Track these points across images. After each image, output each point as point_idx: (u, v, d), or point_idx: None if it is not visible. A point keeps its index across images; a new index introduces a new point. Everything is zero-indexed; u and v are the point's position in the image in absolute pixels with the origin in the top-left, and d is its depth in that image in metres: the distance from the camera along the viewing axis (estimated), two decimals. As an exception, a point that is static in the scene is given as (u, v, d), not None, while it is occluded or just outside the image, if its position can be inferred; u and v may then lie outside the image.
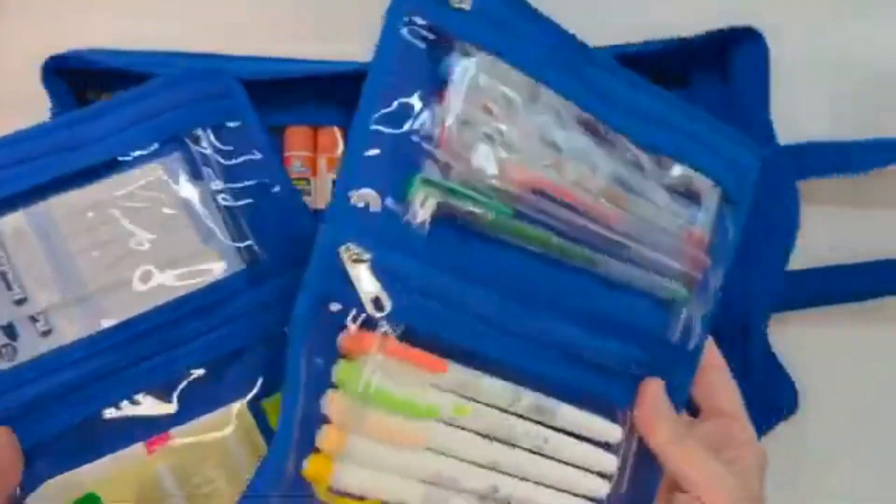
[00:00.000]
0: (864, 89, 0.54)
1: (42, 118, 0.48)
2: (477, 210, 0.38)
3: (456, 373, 0.39)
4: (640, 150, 0.43)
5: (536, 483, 0.41)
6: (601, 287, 0.42)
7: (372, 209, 0.37)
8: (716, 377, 0.45)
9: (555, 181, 0.41)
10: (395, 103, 0.38)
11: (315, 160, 0.52)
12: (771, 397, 0.49)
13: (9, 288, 0.41)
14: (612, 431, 0.42)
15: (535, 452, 0.41)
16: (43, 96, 0.47)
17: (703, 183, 0.44)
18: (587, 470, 0.42)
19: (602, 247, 0.42)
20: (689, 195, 0.44)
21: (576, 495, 0.42)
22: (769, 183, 0.49)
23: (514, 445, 0.40)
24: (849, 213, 0.54)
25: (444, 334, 0.38)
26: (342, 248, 0.36)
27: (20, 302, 0.41)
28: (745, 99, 0.50)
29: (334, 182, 0.51)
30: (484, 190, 0.39)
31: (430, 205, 0.38)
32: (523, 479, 0.41)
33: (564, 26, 0.51)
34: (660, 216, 0.43)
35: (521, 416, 0.40)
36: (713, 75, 0.52)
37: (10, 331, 0.41)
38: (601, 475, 0.42)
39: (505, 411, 0.40)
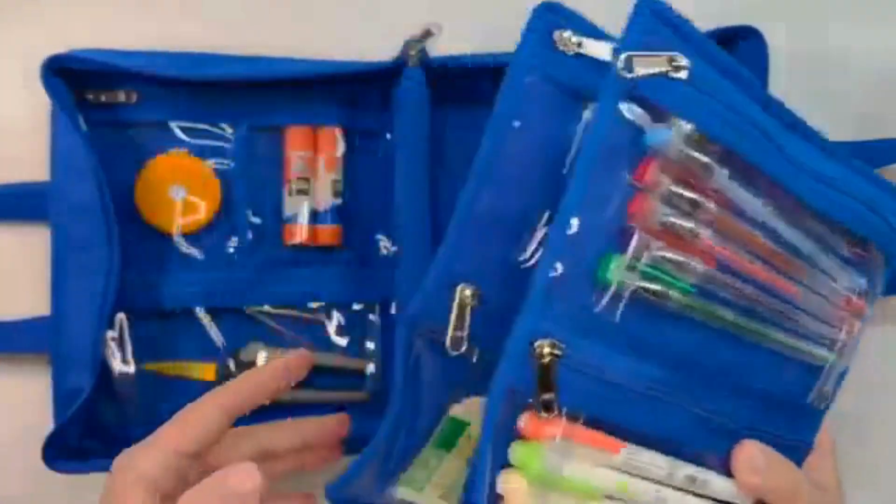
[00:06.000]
0: (864, 89, 0.54)
1: (42, 119, 0.48)
2: (666, 291, 0.38)
3: (626, 452, 0.39)
4: (821, 219, 0.42)
5: None
6: (761, 357, 0.42)
7: (567, 291, 0.36)
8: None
9: (742, 257, 0.40)
10: (601, 180, 0.37)
11: (315, 160, 0.52)
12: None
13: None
14: None
15: None
16: (44, 96, 0.48)
17: (873, 252, 0.44)
18: None
19: (772, 319, 0.41)
20: (855, 263, 0.44)
21: None
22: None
23: None
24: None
25: (619, 418, 0.38)
26: (537, 344, 0.35)
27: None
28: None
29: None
30: (670, 270, 0.38)
31: (627, 290, 0.37)
32: None
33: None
34: (827, 286, 0.43)
35: (673, 487, 0.40)
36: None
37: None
38: None
39: (660, 483, 0.40)
